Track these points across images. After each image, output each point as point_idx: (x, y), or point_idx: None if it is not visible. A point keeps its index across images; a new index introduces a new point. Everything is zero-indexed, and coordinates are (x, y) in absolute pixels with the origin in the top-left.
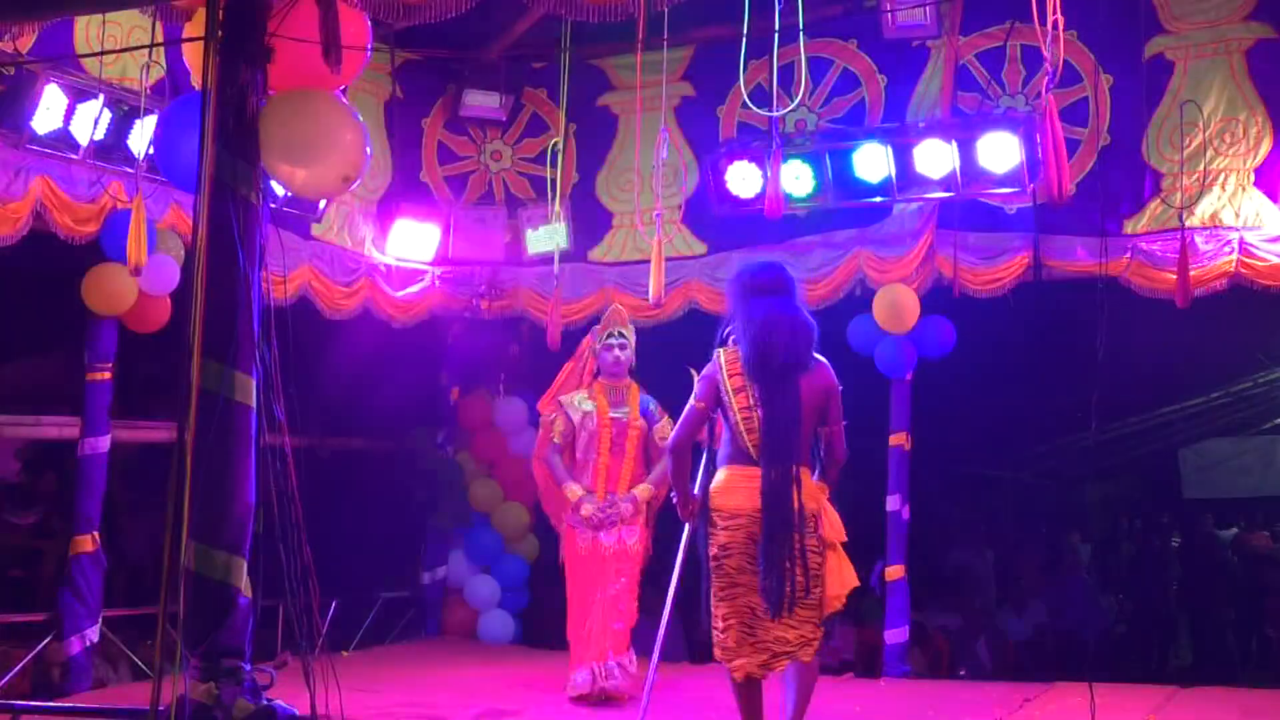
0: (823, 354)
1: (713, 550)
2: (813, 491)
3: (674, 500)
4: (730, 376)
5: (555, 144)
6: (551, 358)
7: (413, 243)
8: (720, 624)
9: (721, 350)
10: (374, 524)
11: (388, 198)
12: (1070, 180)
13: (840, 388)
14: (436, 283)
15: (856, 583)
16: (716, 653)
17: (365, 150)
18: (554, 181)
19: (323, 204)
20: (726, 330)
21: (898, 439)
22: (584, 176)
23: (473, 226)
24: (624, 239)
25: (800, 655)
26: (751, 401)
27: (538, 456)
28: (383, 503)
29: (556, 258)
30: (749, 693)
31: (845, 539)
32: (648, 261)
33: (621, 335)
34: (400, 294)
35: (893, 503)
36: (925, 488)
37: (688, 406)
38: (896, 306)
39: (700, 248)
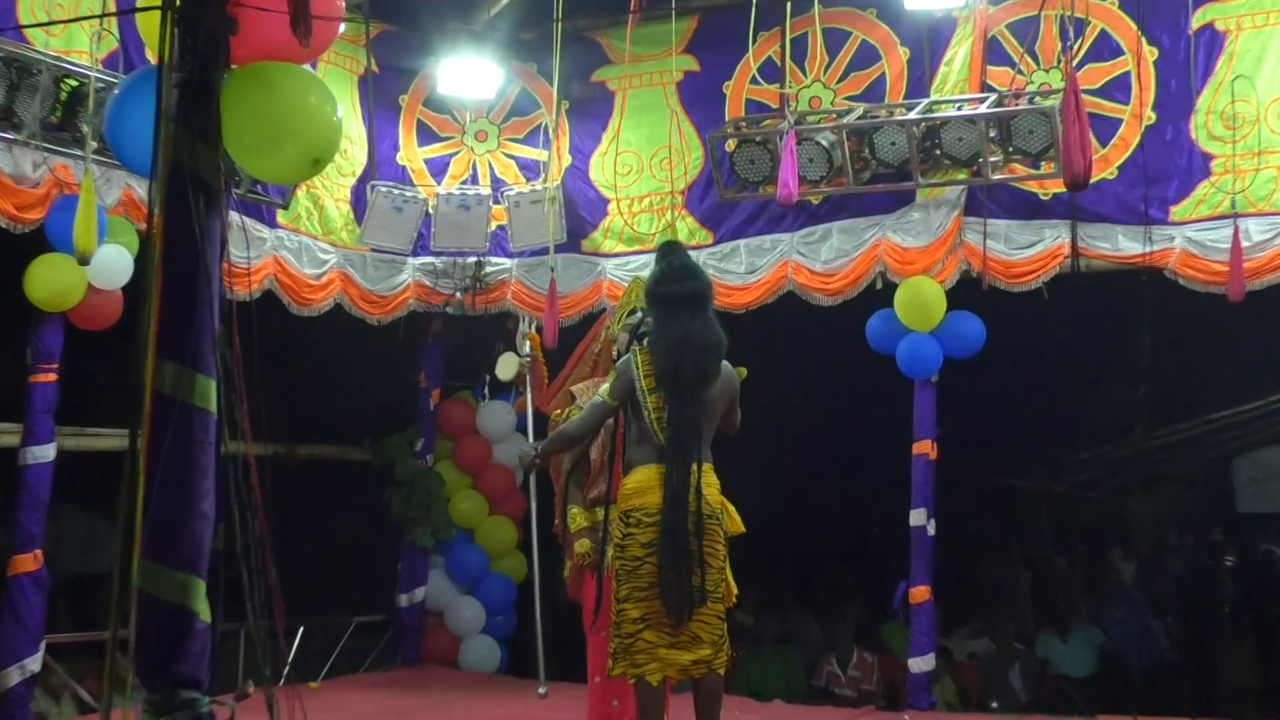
0: (839, 353)
1: (630, 552)
2: (715, 488)
3: (533, 458)
4: (645, 376)
5: (546, 123)
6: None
7: (389, 231)
8: (631, 628)
9: (637, 350)
10: (346, 540)
11: (362, 182)
12: (1092, 163)
13: (739, 389)
14: (415, 275)
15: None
16: (618, 664)
17: (337, 130)
18: (545, 164)
19: (291, 189)
20: (641, 330)
21: (922, 447)
22: (577, 159)
23: (455, 213)
24: (621, 227)
25: (716, 662)
26: (664, 401)
27: (555, 469)
28: (356, 517)
29: (551, 247)
30: (656, 701)
31: (744, 531)
32: (649, 252)
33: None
34: (375, 287)
35: (917, 517)
36: (953, 501)
37: (597, 400)
38: (920, 301)
39: (705, 236)
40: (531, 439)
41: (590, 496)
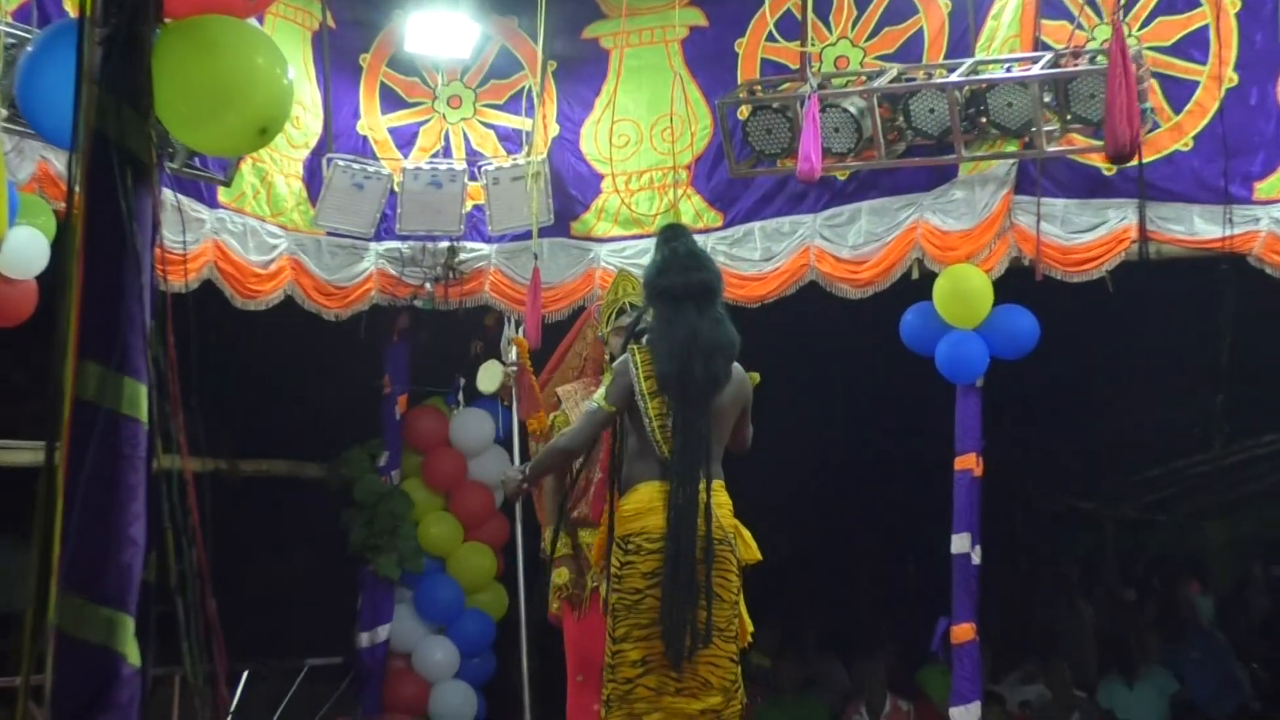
0: (869, 354)
1: (629, 584)
2: (727, 508)
3: (520, 483)
4: (645, 379)
5: (530, 87)
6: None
7: (349, 212)
8: (630, 671)
9: (635, 349)
10: (298, 571)
11: (317, 154)
12: (1140, 132)
13: (751, 397)
14: (379, 262)
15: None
16: (614, 714)
17: (288, 95)
18: (528, 135)
19: (234, 163)
20: (640, 327)
21: (965, 462)
22: (566, 129)
23: (425, 192)
24: (616, 207)
25: (728, 711)
26: (668, 408)
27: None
28: (309, 543)
29: (535, 231)
30: None
31: (760, 558)
32: (649, 236)
33: (636, 308)
34: (332, 277)
35: (960, 544)
36: (1001, 525)
37: (590, 407)
38: (963, 293)
39: (714, 218)
40: (518, 461)
41: (572, 517)
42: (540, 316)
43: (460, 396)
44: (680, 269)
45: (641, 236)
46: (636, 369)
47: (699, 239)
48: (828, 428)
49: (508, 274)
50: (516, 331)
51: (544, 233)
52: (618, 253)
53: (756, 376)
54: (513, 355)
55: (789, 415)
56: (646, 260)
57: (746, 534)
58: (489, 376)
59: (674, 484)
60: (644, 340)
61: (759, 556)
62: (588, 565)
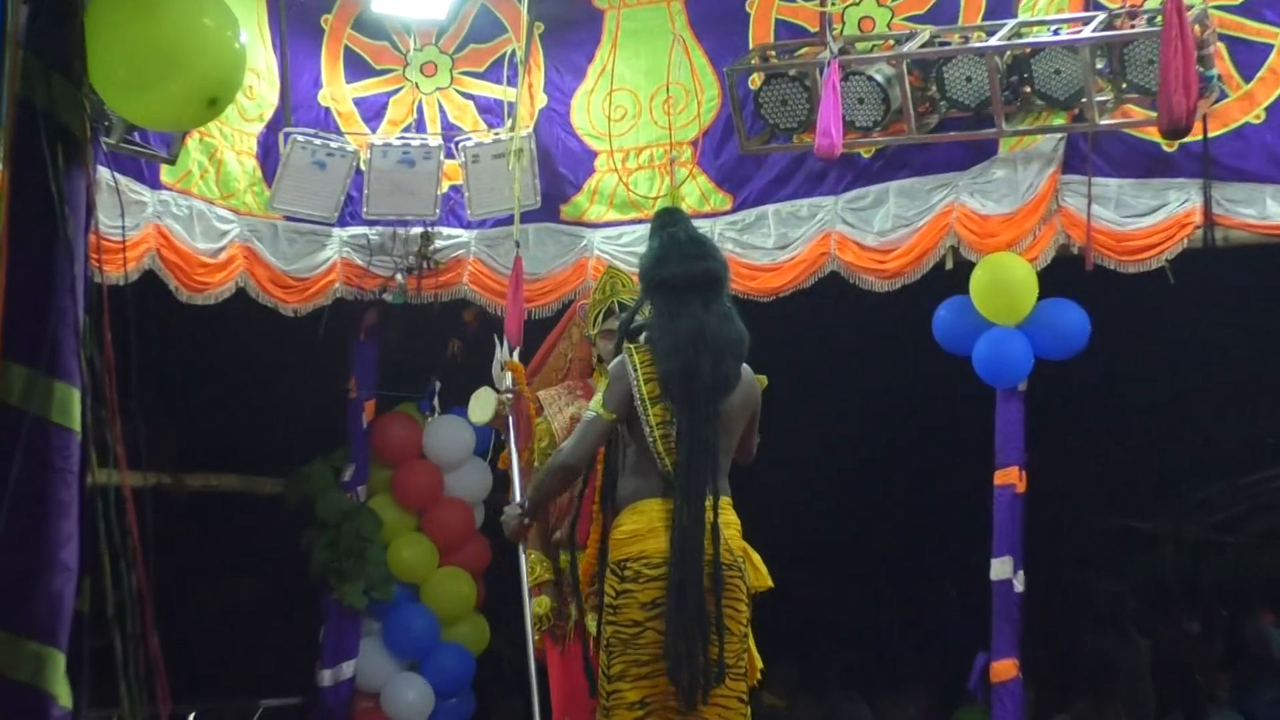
0: (896, 354)
1: (626, 615)
2: (735, 528)
3: (521, 518)
4: (645, 382)
5: (514, 52)
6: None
7: (309, 193)
8: (627, 715)
9: (633, 348)
10: (252, 599)
11: (272, 129)
12: (1198, 103)
13: (760, 402)
14: (343, 251)
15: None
16: None
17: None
18: (512, 106)
19: (178, 138)
20: (636, 323)
21: (1007, 476)
22: (555, 99)
23: (395, 171)
24: (611, 188)
25: None
26: (672, 415)
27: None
28: (265, 568)
29: (516, 215)
30: None
31: (772, 586)
32: (647, 221)
33: (626, 308)
34: (291, 267)
35: (1000, 569)
36: (1047, 547)
37: (588, 415)
38: (1004, 285)
39: (723, 200)
40: (518, 495)
41: (553, 539)
42: (523, 312)
43: (435, 402)
44: (682, 257)
45: (640, 221)
46: (635, 371)
47: (704, 224)
48: (849, 438)
49: (489, 264)
50: (511, 354)
51: (529, 217)
52: (613, 240)
53: (764, 379)
54: (508, 381)
55: (805, 423)
56: (642, 250)
57: (756, 558)
58: (481, 405)
59: (678, 501)
60: (642, 339)
61: (770, 583)
62: (570, 593)
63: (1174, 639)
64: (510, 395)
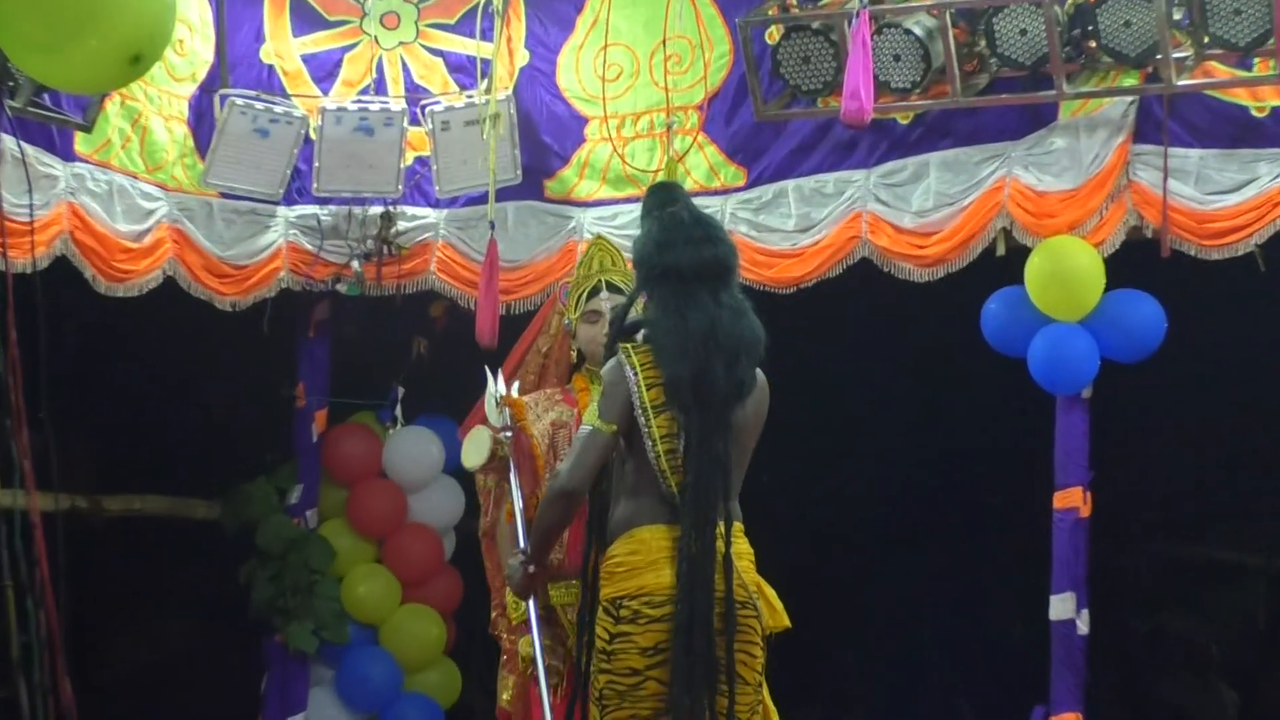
0: (939, 355)
1: (624, 662)
2: (749, 559)
3: (525, 566)
4: (648, 388)
5: (489, 0)
6: (483, 360)
7: (249, 165)
8: None
9: (630, 349)
10: (182, 641)
11: (207, 90)
12: None
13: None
14: (290, 234)
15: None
16: None
17: (168, 11)
18: (487, 64)
19: (96, 101)
20: (633, 319)
21: (1068, 498)
22: (539, 56)
23: (352, 140)
24: (605, 160)
25: None
26: (678, 427)
27: (487, 533)
28: (198, 605)
29: (492, 192)
30: None
31: (789, 626)
32: (635, 200)
33: (617, 290)
34: (228, 253)
35: (1061, 607)
36: (1116, 582)
37: (584, 430)
38: (1065, 274)
39: (735, 175)
40: (522, 542)
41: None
42: (498, 306)
43: (398, 411)
44: (687, 241)
45: (638, 199)
46: (635, 375)
47: (714, 202)
48: (881, 453)
49: (461, 249)
50: (508, 388)
51: (508, 194)
52: (606, 220)
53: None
54: (505, 418)
55: (829, 437)
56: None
57: (771, 593)
58: (476, 448)
59: (685, 527)
60: (640, 337)
61: (788, 623)
62: (564, 634)
63: (1267, 690)
64: (509, 435)
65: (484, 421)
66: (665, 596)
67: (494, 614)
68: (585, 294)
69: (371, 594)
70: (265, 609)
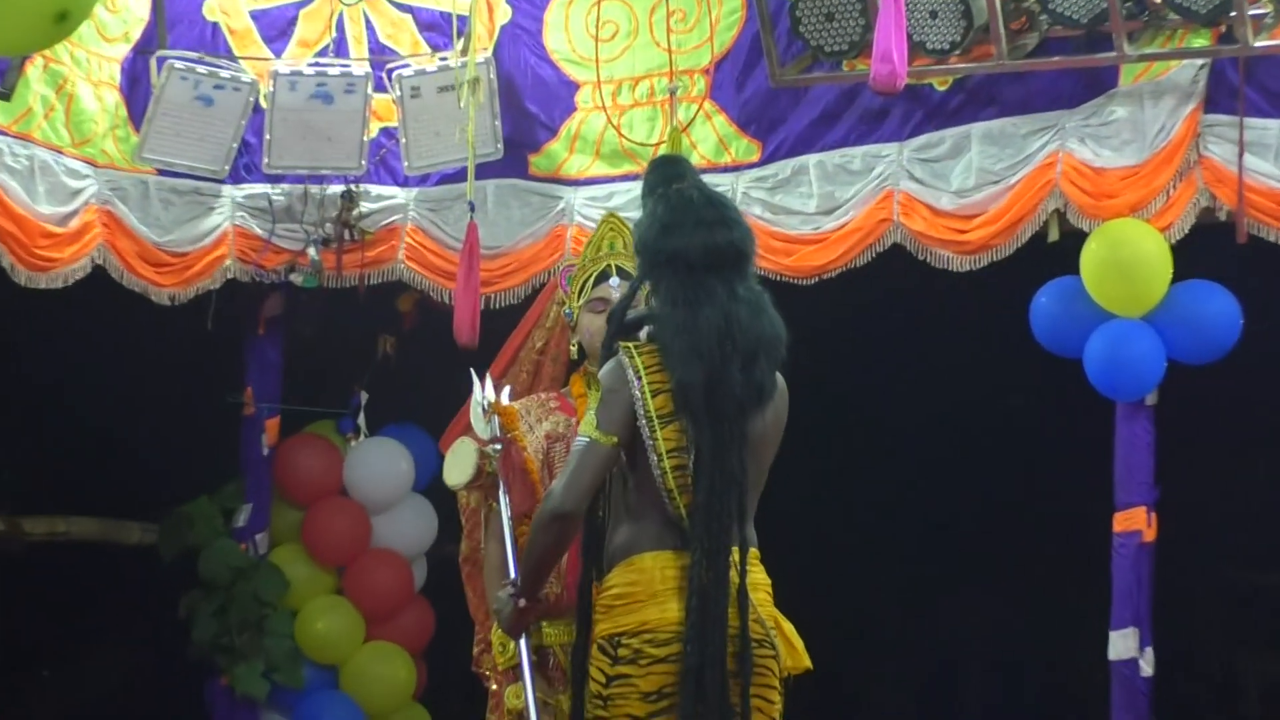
0: (982, 353)
1: (622, 709)
2: (766, 590)
3: (515, 601)
4: (652, 394)
5: None
6: (459, 361)
7: (190, 138)
8: None
9: (633, 349)
10: (114, 681)
11: (142, 53)
12: None
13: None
14: (237, 217)
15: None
16: None
17: None
18: (464, 22)
19: (15, 65)
20: (635, 314)
21: (1130, 520)
22: (522, 13)
23: (308, 109)
24: (598, 132)
25: None
26: (687, 440)
27: (467, 559)
28: (132, 641)
29: (471, 169)
30: None
31: (810, 666)
32: (639, 176)
33: (630, 276)
34: (166, 238)
35: (1122, 644)
36: (1183, 616)
37: (580, 442)
38: (1127, 263)
39: (749, 149)
40: (513, 573)
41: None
42: (478, 299)
43: (360, 420)
44: (697, 223)
45: (638, 177)
46: (639, 379)
47: (723, 180)
48: (912, 471)
49: (433, 234)
50: (498, 394)
51: (488, 171)
52: (600, 201)
53: None
54: (494, 428)
55: (855, 451)
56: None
57: (789, 629)
58: (459, 463)
59: (696, 555)
60: (643, 335)
61: (809, 664)
62: (561, 677)
63: None
64: (498, 449)
65: (468, 432)
66: (671, 634)
67: (476, 649)
68: (592, 279)
69: (330, 630)
70: (208, 647)
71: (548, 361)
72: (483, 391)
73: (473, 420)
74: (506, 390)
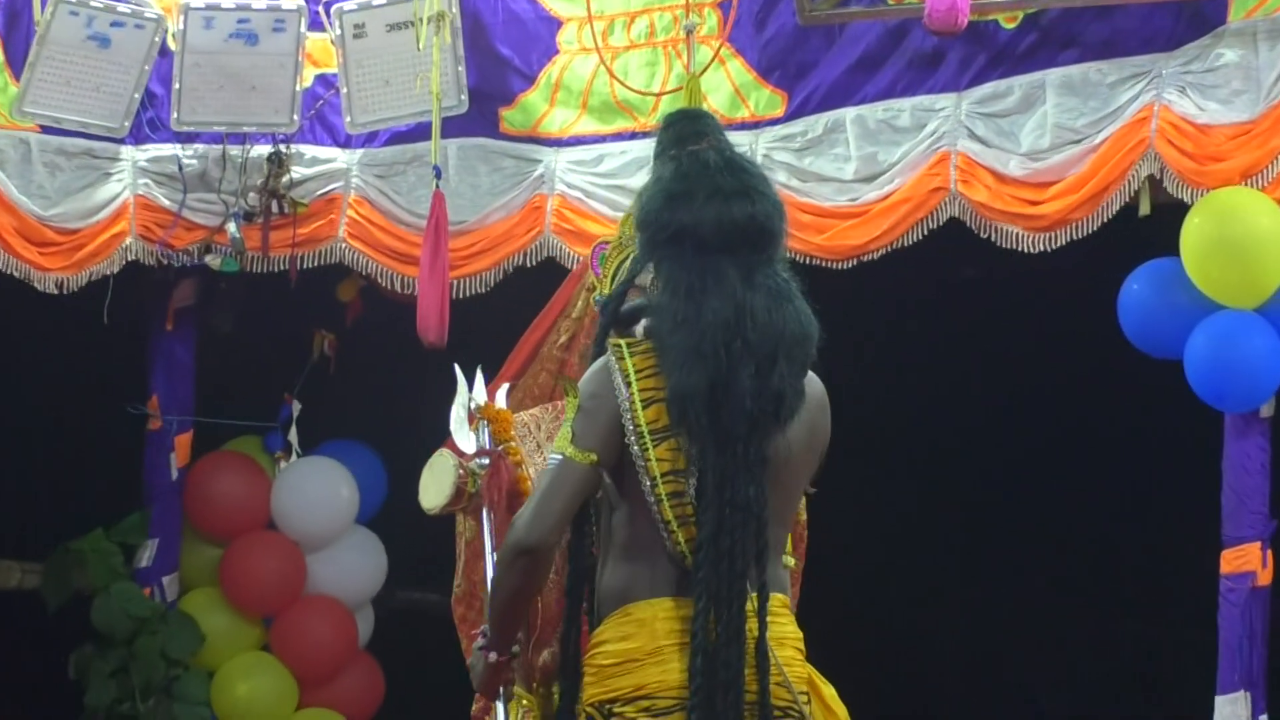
0: (1059, 353)
1: None
2: (795, 645)
3: (485, 654)
4: (643, 403)
5: None
6: (413, 362)
7: (84, 88)
8: None
9: (624, 348)
10: None
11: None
12: None
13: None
14: (140, 184)
15: None
16: None
17: None
18: None
19: None
20: (631, 305)
21: (1241, 558)
22: None
23: (226, 52)
24: (586, 79)
25: None
26: (686, 461)
27: (460, 599)
28: (7, 708)
29: (436, 125)
30: None
31: None
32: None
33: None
34: (53, 211)
35: (1230, 709)
36: None
37: (553, 460)
38: (1237, 241)
39: (771, 101)
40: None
41: (539, 661)
42: (447, 288)
43: (293, 437)
44: (711, 193)
45: (635, 136)
46: (629, 385)
47: (741, 138)
48: (971, 493)
49: (382, 205)
50: (496, 396)
51: (450, 128)
52: (588, 166)
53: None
54: (482, 438)
55: (905, 471)
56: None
57: (830, 695)
58: (436, 480)
59: (701, 603)
60: (639, 329)
61: None
62: None
63: None
64: (483, 465)
65: (449, 444)
66: (673, 700)
67: (476, 707)
68: (625, 261)
69: (256, 695)
70: (105, 715)
71: (574, 359)
72: (471, 391)
73: (453, 428)
74: (504, 391)
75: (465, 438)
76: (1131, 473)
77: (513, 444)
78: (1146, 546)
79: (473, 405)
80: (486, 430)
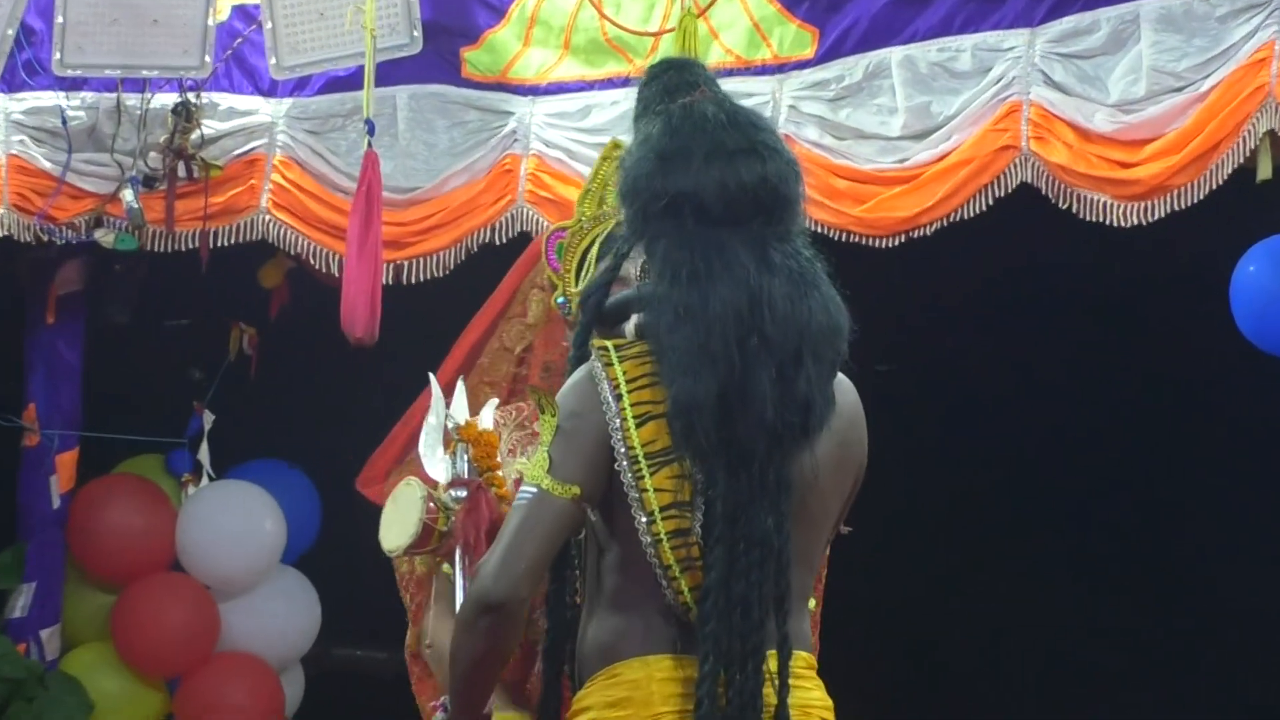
0: (1160, 345)
1: None
2: (823, 711)
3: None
4: (639, 421)
5: None
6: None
7: None
8: None
9: (610, 350)
10: None
11: None
12: None
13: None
14: (15, 143)
15: None
16: None
17: None
18: None
19: None
20: (620, 297)
21: None
22: None
23: None
24: (568, 14)
25: None
26: (692, 490)
27: (416, 654)
28: None
29: (369, 70)
30: None
31: None
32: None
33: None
34: None
35: None
36: None
37: (524, 496)
38: None
39: (796, 39)
40: None
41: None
42: (380, 272)
43: (203, 454)
44: (711, 153)
45: (629, 82)
46: (619, 398)
47: (761, 86)
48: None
49: (315, 168)
50: (483, 415)
51: (400, 73)
52: (568, 119)
53: None
54: (460, 465)
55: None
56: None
57: None
58: (402, 515)
59: (709, 663)
60: (630, 327)
61: None
62: None
63: None
64: (459, 498)
65: (416, 470)
66: None
67: None
68: (598, 246)
69: None
70: None
71: (536, 373)
72: (450, 407)
73: (422, 451)
74: (491, 407)
75: (438, 463)
76: (1243, 485)
77: (497, 474)
78: (1256, 569)
79: (450, 424)
80: (466, 455)
